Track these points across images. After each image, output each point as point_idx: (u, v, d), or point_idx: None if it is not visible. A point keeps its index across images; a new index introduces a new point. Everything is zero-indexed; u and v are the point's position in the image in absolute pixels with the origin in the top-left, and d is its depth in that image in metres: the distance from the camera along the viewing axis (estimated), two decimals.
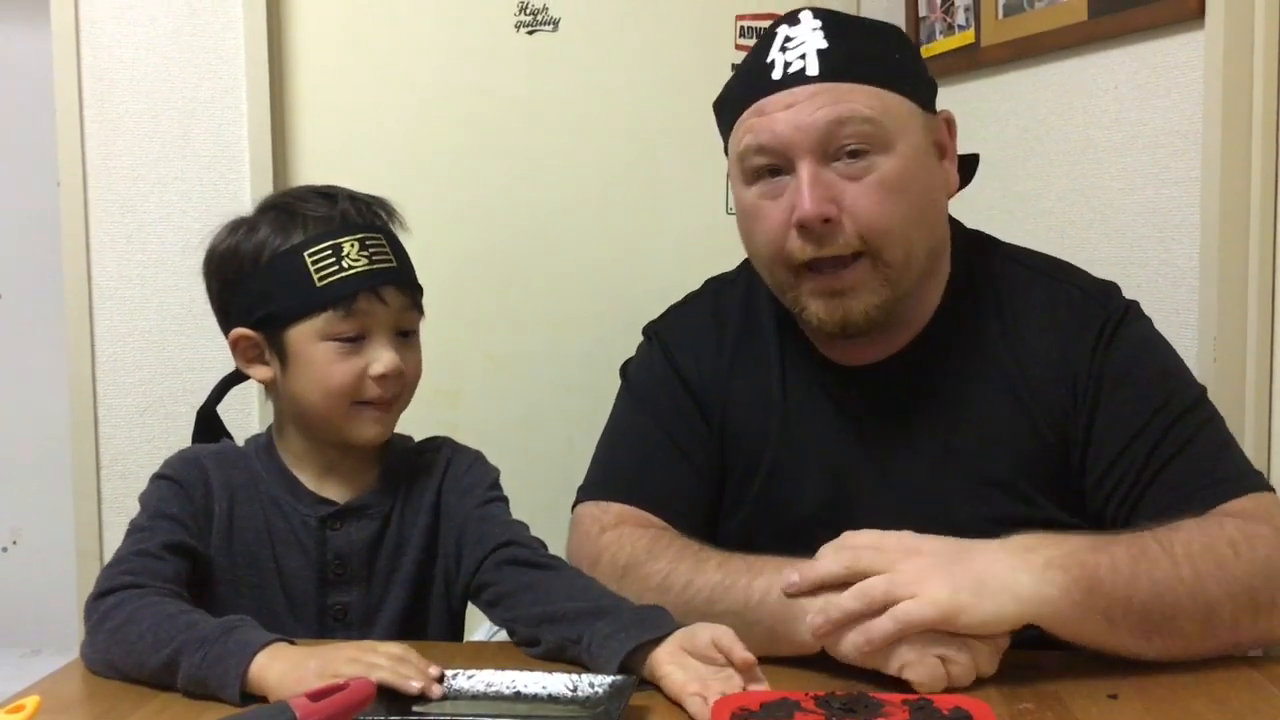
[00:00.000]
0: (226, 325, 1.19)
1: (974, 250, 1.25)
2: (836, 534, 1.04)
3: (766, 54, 1.15)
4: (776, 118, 1.12)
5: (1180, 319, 1.49)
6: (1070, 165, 1.71)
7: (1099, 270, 1.27)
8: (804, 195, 1.09)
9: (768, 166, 1.14)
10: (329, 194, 1.19)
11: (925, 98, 1.18)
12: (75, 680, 1.04)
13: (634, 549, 1.14)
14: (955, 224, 1.26)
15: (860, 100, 1.10)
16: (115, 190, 2.01)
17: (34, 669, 1.07)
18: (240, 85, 1.99)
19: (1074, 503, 1.16)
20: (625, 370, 1.35)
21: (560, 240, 2.10)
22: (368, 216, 1.18)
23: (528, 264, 2.09)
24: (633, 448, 1.27)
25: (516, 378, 2.10)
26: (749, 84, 1.16)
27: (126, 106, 2.00)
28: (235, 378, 1.27)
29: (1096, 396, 1.15)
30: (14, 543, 3.35)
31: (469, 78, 2.07)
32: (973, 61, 1.84)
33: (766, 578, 1.05)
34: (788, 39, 1.14)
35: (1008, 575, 0.97)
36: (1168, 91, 1.53)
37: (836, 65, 1.11)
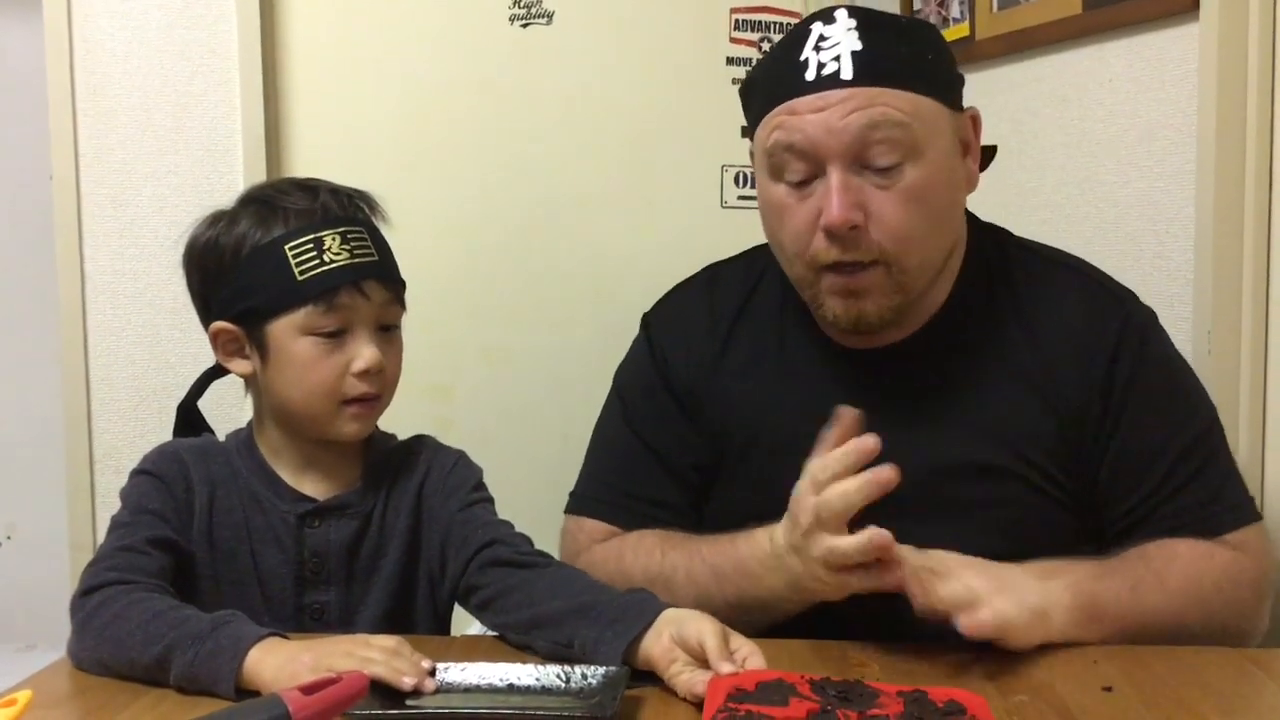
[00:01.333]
0: (206, 318, 1.18)
1: (988, 241, 1.27)
2: None
3: (800, 51, 1.14)
4: (808, 119, 1.11)
5: (1175, 312, 1.49)
6: (1065, 158, 1.71)
7: (1094, 262, 1.27)
8: (833, 201, 1.10)
9: (795, 167, 1.14)
10: (309, 186, 1.18)
11: (954, 97, 1.18)
12: (68, 675, 1.03)
13: (605, 569, 1.19)
14: (970, 216, 1.26)
15: (893, 104, 1.10)
16: (108, 184, 2.00)
17: (28, 664, 1.06)
18: (233, 78, 1.98)
19: (1072, 487, 1.18)
20: (616, 370, 1.36)
21: (554, 233, 2.09)
22: (349, 209, 1.17)
23: (521, 257, 2.08)
24: (611, 457, 1.32)
25: (510, 372, 2.09)
26: (780, 80, 1.15)
27: (119, 100, 1.99)
28: (216, 372, 1.26)
29: (1123, 408, 1.17)
30: (7, 538, 3.34)
31: (463, 71, 2.06)
32: (967, 54, 1.84)
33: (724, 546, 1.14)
34: (822, 38, 1.13)
35: (1042, 602, 1.05)
36: (1162, 84, 1.53)
37: (870, 68, 1.11)
